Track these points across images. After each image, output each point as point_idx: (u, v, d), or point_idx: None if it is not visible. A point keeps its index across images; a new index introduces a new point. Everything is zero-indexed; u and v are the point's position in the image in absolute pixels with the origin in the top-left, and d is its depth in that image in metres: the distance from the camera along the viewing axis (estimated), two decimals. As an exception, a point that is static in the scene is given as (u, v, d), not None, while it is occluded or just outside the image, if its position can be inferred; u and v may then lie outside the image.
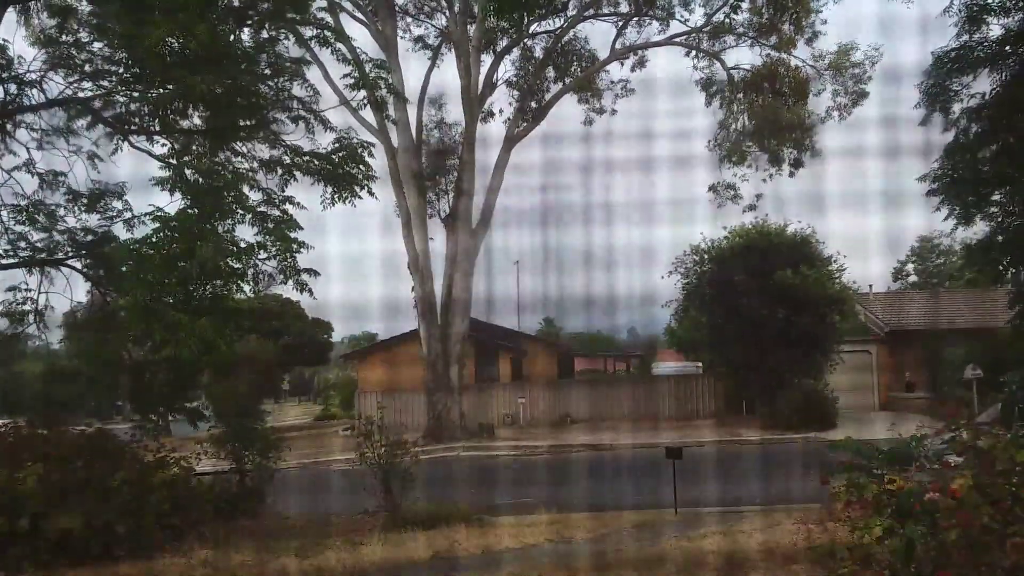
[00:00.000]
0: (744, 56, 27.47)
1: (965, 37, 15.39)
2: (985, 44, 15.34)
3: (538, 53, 29.46)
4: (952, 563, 6.31)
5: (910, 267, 51.85)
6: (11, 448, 11.31)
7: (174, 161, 13.43)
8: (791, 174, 27.91)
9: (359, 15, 27.60)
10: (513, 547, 10.42)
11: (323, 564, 9.85)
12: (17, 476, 10.32)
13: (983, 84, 15.80)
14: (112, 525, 10.48)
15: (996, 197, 16.76)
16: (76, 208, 13.66)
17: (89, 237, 13.72)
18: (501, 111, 30.02)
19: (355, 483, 13.23)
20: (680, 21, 28.27)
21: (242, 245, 13.55)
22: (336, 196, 14.67)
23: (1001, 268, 17.62)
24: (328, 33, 14.37)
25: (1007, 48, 15.23)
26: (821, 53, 26.66)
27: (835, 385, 26.76)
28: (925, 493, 6.99)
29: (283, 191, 14.03)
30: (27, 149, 13.55)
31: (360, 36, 26.79)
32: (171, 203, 13.17)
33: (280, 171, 14.16)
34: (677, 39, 28.75)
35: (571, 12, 28.06)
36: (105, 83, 13.22)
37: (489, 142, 29.10)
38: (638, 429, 27.05)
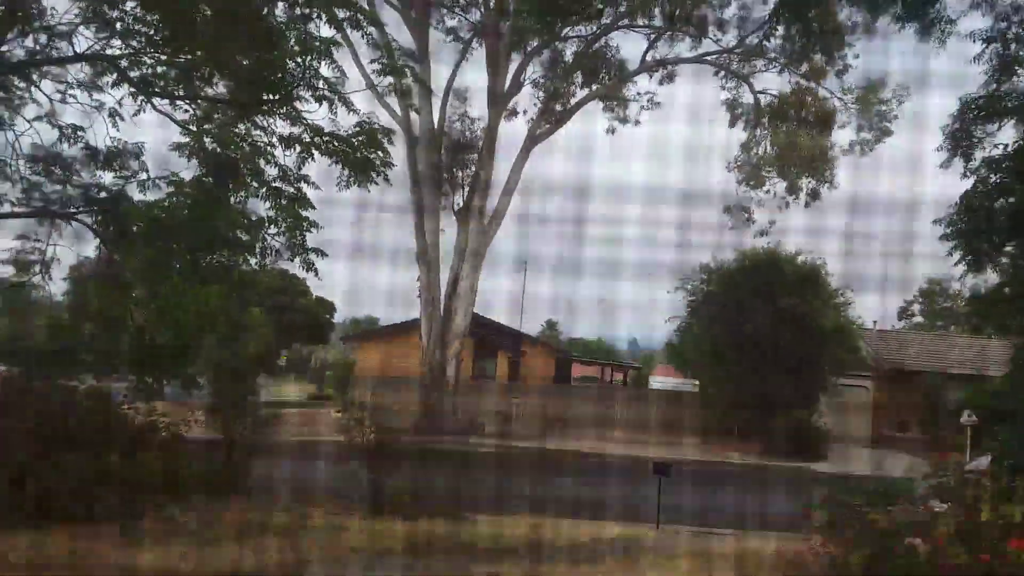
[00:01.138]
0: (772, 81, 27.42)
1: (994, 86, 15.35)
2: (1014, 95, 15.29)
3: (568, 57, 29.47)
4: None
5: (916, 307, 51.75)
6: (2, 399, 11.32)
7: (194, 128, 13.44)
8: (807, 204, 27.91)
9: (394, 1, 27.63)
10: (488, 546, 10.45)
11: (301, 544, 9.89)
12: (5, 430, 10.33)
13: (1007, 135, 15.76)
14: (96, 485, 10.49)
15: (1008, 248, 16.69)
16: (92, 164, 13.68)
17: (102, 194, 13.74)
18: (525, 111, 30.06)
19: (342, 466, 13.26)
20: (712, 40, 28.27)
21: (253, 218, 13.59)
22: (352, 179, 14.68)
23: (1006, 319, 17.55)
24: (361, 16, 14.36)
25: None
26: (850, 87, 26.65)
27: (829, 417, 26.73)
28: (906, 536, 7.01)
29: (299, 169, 14.05)
30: (50, 101, 13.59)
31: (393, 22, 26.80)
32: (187, 169, 13.23)
33: (299, 148, 14.16)
34: (708, 57, 28.74)
35: (605, 20, 28.05)
36: (134, 43, 13.23)
37: (510, 141, 29.16)
38: (628, 440, 27.03)
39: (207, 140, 13.46)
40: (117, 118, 13.77)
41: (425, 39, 26.94)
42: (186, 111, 13.93)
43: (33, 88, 13.63)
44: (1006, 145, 15.55)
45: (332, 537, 10.42)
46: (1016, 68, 15.12)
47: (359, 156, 14.12)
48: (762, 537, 11.59)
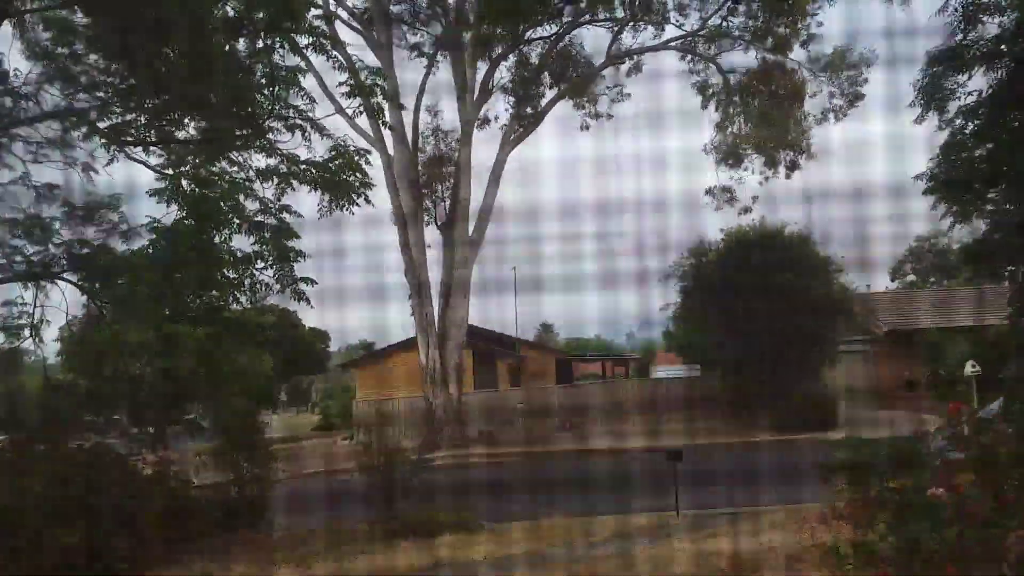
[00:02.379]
0: (740, 59, 27.50)
1: (960, 36, 15.39)
2: (980, 43, 15.33)
3: (534, 59, 29.51)
4: (957, 558, 6.29)
5: (908, 266, 51.89)
6: (10, 464, 11.25)
7: (170, 172, 13.41)
8: (787, 176, 27.99)
9: (355, 24, 27.66)
10: (516, 553, 10.40)
11: (322, 574, 9.82)
12: (16, 492, 10.26)
13: (979, 83, 15.80)
14: (111, 540, 10.42)
15: (992, 195, 16.74)
16: (72, 221, 13.62)
17: (85, 249, 13.67)
18: (497, 117, 30.11)
19: (354, 493, 13.19)
20: (675, 26, 28.36)
21: (239, 255, 13.54)
22: (333, 204, 14.68)
23: (997, 266, 17.59)
24: (324, 40, 14.35)
25: (1002, 47, 15.23)
26: (817, 55, 26.74)
27: (835, 385, 26.75)
28: (927, 490, 6.98)
29: (279, 200, 14.03)
30: (23, 162, 13.52)
31: (356, 44, 26.81)
32: (167, 214, 13.19)
33: (277, 180, 14.14)
34: (672, 43, 28.81)
35: (567, 18, 28.11)
36: (101, 94, 13.20)
37: (485, 148, 29.18)
38: (638, 433, 27.00)
39: (184, 182, 13.43)
40: (91, 172, 13.74)
41: (389, 57, 26.96)
42: (160, 155, 13.91)
43: (3, 152, 13.55)
44: (979, 92, 15.60)
45: (353, 565, 10.35)
46: (980, 16, 15.17)
47: (338, 180, 14.12)
48: (783, 511, 11.58)
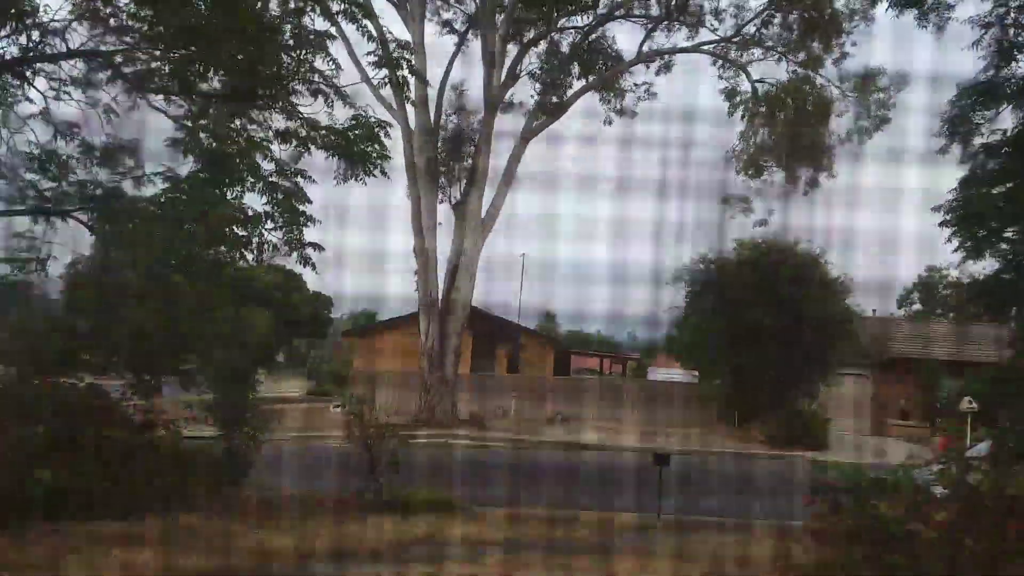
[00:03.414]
0: (770, 70, 27.32)
1: (992, 72, 15.28)
2: (1012, 80, 15.22)
3: (564, 48, 29.37)
4: None
5: (915, 295, 51.73)
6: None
7: (190, 123, 13.39)
8: (806, 193, 27.85)
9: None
10: (492, 539, 10.45)
11: (302, 540, 9.87)
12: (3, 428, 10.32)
13: (1005, 121, 15.70)
14: (95, 484, 10.48)
15: (1007, 234, 16.67)
16: (88, 161, 13.61)
17: (98, 191, 13.67)
18: (521, 103, 29.98)
19: (342, 461, 13.24)
20: (709, 30, 28.18)
21: (250, 213, 13.53)
22: (349, 173, 14.65)
23: (1005, 305, 17.53)
24: (355, 8, 14.29)
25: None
26: (847, 75, 26.56)
27: (829, 407, 26.73)
28: (908, 523, 6.98)
29: (296, 163, 13.99)
30: (44, 98, 13.51)
31: (387, 14, 26.69)
32: (183, 165, 13.18)
33: (295, 143, 14.10)
34: (705, 47, 28.64)
35: (601, 10, 27.96)
36: (128, 39, 13.16)
37: (506, 133, 29.05)
38: (628, 432, 27.03)
39: (203, 136, 13.41)
40: (112, 114, 13.71)
41: (420, 32, 26.85)
42: (181, 107, 13.87)
43: (26, 85, 13.55)
44: (1004, 131, 15.50)
45: (332, 533, 10.41)
46: (1015, 53, 15.04)
47: (356, 150, 14.07)
48: (761, 526, 11.59)
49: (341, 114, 13.74)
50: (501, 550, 9.80)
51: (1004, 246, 16.65)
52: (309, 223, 13.70)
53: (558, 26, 28.24)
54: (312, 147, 14.00)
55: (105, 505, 10.45)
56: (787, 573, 7.74)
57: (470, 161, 28.90)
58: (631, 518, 12.20)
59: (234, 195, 13.48)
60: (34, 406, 11.07)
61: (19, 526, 9.61)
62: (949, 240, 16.73)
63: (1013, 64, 15.17)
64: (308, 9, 13.57)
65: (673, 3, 27.52)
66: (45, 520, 9.87)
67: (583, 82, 29.45)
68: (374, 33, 14.57)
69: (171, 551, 8.98)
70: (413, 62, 16.38)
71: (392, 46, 14.91)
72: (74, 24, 13.07)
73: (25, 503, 9.94)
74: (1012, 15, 14.76)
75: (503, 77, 27.97)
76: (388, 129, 14.71)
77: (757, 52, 27.85)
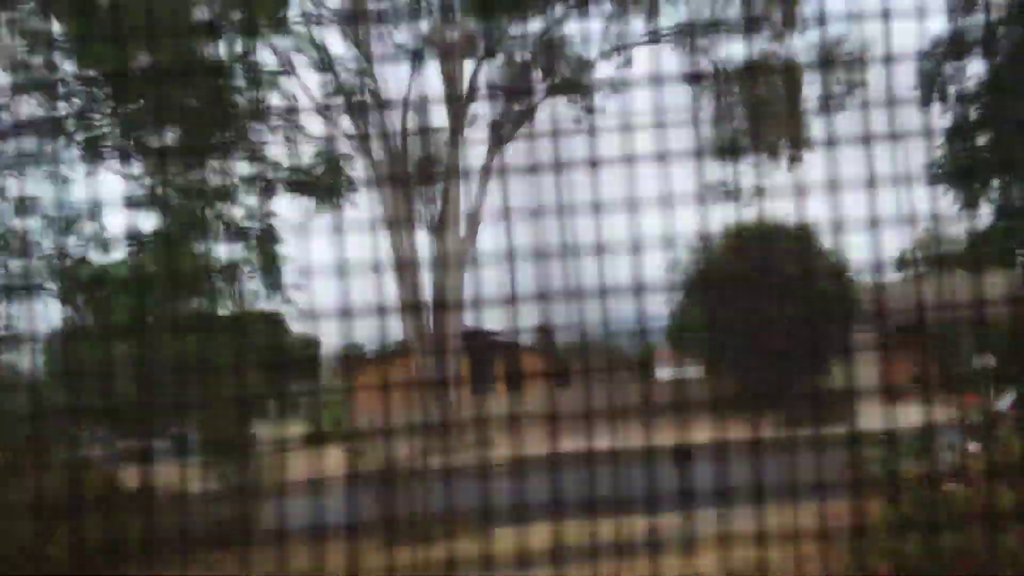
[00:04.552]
0: (735, 49, 27.19)
1: (958, 20, 15.13)
2: (978, 28, 15.08)
3: (522, 55, 29.13)
4: (975, 551, 6.03)
5: (915, 256, 51.54)
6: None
7: (149, 181, 13.11)
8: (788, 167, 27.64)
9: (337, 22, 27.29)
10: (524, 561, 10.06)
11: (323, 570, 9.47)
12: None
13: (976, 70, 15.57)
14: (93, 554, 10.08)
15: (997, 182, 16.47)
16: (51, 232, 13.32)
17: (66, 261, 13.38)
18: (487, 115, 29.73)
19: (350, 498, 12.83)
20: (666, 17, 27.98)
21: (223, 264, 13.23)
22: (319, 208, 14.38)
23: (1006, 253, 17.29)
24: (304, 43, 14.06)
25: (1000, 30, 14.96)
26: (814, 44, 26.38)
27: (843, 380, 26.35)
28: (942, 483, 6.68)
29: (264, 206, 13.71)
30: None
31: (339, 44, 26.47)
32: (148, 222, 12.87)
33: (261, 186, 13.84)
34: (664, 36, 28.45)
35: (556, 13, 27.77)
36: (77, 101, 12.91)
37: (475, 146, 28.80)
38: (640, 431, 26.59)
39: (164, 190, 13.11)
40: (68, 182, 13.42)
41: (373, 57, 26.56)
42: (139, 164, 13.60)
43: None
44: (979, 79, 15.36)
45: (355, 562, 10.00)
46: (975, 1, 14.92)
47: (322, 184, 13.82)
48: (793, 507, 11.19)
49: (305, 149, 13.51)
50: (529, 566, 9.43)
51: (995, 195, 16.47)
52: (286, 264, 13.41)
53: (512, 35, 28.04)
54: (279, 187, 13.76)
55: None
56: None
57: (441, 180, 28.63)
58: (661, 521, 11.80)
59: (206, 245, 13.19)
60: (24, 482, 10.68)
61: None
62: (943, 195, 16.53)
63: (977, 11, 15.05)
64: (257, 49, 13.34)
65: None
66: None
67: (545, 86, 29.23)
68: (324, 65, 14.31)
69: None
70: (369, 87, 16.13)
71: (346, 74, 14.66)
72: (20, 96, 12.82)
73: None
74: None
75: (463, 93, 27.73)
76: (352, 159, 14.48)
77: (719, 34, 27.66)
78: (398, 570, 10.23)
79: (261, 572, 10.39)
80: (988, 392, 16.64)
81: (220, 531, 12.41)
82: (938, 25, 15.47)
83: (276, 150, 13.43)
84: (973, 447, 7.15)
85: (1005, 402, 12.12)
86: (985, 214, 17.04)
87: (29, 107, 12.92)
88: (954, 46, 15.58)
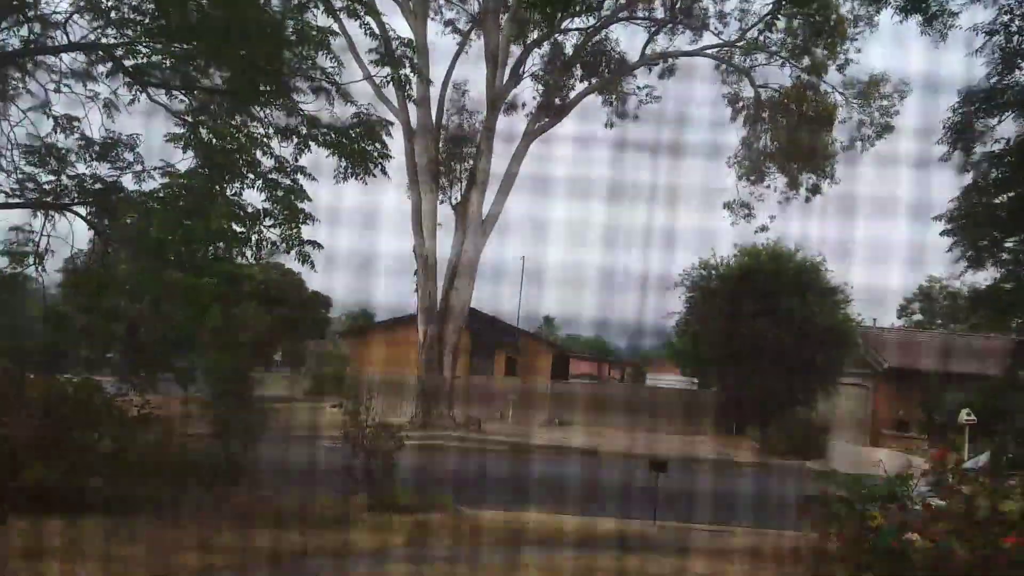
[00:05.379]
0: (774, 75, 27.30)
1: (995, 79, 15.28)
2: (1015, 88, 15.22)
3: (567, 50, 29.33)
4: None
5: (916, 305, 51.62)
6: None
7: (190, 118, 13.34)
8: (807, 199, 27.83)
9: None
10: (484, 542, 10.41)
11: (297, 540, 9.82)
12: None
13: (1007, 129, 15.69)
14: (84, 482, 10.42)
15: (1009, 244, 16.66)
16: (87, 155, 13.56)
17: (97, 185, 13.62)
18: (524, 104, 29.95)
19: (338, 461, 13.18)
20: (713, 34, 28.15)
21: (249, 210, 13.47)
22: (349, 171, 14.60)
23: (1006, 316, 17.53)
24: (358, 5, 14.24)
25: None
26: (851, 81, 26.51)
27: (828, 416, 26.66)
28: (904, 533, 6.92)
29: (296, 160, 13.93)
30: (44, 90, 13.47)
31: (390, 12, 26.65)
32: (183, 160, 13.11)
33: (296, 140, 14.04)
34: (708, 51, 28.61)
35: (605, 12, 27.91)
36: (129, 32, 13.11)
37: (508, 134, 29.00)
38: (626, 438, 26.95)
39: (203, 131, 13.35)
40: (112, 108, 13.67)
41: (423, 30, 26.80)
42: (182, 101, 13.82)
43: (27, 78, 13.52)
44: (1008, 140, 15.50)
45: (328, 535, 10.36)
46: (1018, 61, 15.04)
47: (356, 148, 14.02)
48: (758, 534, 11.54)
49: (342, 112, 13.71)
50: (494, 554, 9.76)
51: (1005, 256, 16.64)
52: (308, 221, 13.62)
53: (561, 27, 28.19)
54: (313, 144, 13.96)
55: (93, 503, 10.37)
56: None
57: (471, 162, 28.83)
58: (626, 524, 12.14)
59: (233, 191, 13.43)
60: (25, 402, 11.01)
61: (3, 522, 9.54)
62: (950, 249, 16.72)
63: (1016, 72, 15.19)
64: (310, 5, 13.54)
65: (677, 6, 27.47)
66: (32, 516, 9.78)
67: (586, 84, 29.45)
68: (376, 31, 14.51)
69: (154, 551, 8.92)
70: (415, 60, 16.32)
71: (395, 44, 14.86)
72: (75, 17, 13.07)
73: (12, 499, 9.86)
74: (1016, 23, 14.77)
75: (506, 78, 27.92)
76: (389, 128, 14.68)
77: (761, 57, 27.82)
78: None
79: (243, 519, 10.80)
80: (963, 448, 16.94)
81: (210, 471, 12.80)
82: (974, 79, 15.60)
83: (316, 108, 13.59)
84: (937, 503, 7.38)
85: (979, 460, 12.38)
86: (989, 274, 17.22)
87: (81, 28, 13.19)
88: (989, 102, 15.73)
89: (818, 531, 8.15)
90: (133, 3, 12.82)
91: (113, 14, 12.71)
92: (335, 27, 14.45)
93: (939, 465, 7.57)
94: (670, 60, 29.13)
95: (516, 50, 28.32)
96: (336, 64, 13.56)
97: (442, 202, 28.75)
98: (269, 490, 13.22)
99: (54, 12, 12.79)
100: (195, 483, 12.17)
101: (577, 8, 26.33)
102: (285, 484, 13.83)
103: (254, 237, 13.49)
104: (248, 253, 13.62)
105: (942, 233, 16.54)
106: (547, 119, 29.00)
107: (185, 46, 12.65)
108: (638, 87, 29.81)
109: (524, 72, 28.84)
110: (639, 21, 28.74)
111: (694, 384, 37.80)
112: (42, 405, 10.99)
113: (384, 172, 14.71)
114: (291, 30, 13.23)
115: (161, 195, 12.94)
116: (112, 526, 9.78)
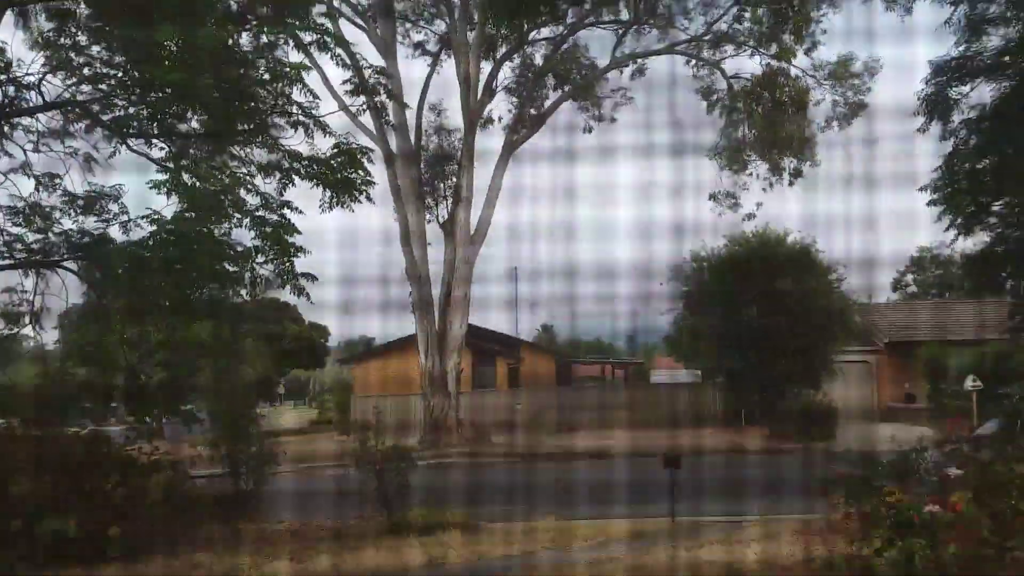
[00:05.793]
0: (745, 65, 27.44)
1: (964, 47, 15.38)
2: (984, 54, 15.32)
3: (538, 60, 29.49)
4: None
5: (909, 277, 51.79)
6: (6, 450, 11.27)
7: (171, 165, 13.35)
8: (791, 183, 27.95)
9: (358, 20, 27.63)
10: (510, 554, 10.38)
11: (317, 569, 9.80)
12: (12, 478, 10.29)
13: (982, 94, 15.79)
14: (106, 527, 10.42)
15: (996, 208, 16.72)
16: (72, 211, 13.58)
17: (85, 239, 13.62)
18: (500, 118, 30.08)
19: (350, 488, 13.16)
20: (680, 29, 28.31)
21: (239, 249, 13.47)
22: (334, 201, 14.62)
23: (1000, 279, 17.58)
24: (327, 39, 14.30)
25: (1006, 59, 15.21)
26: (821, 63, 26.69)
27: (835, 395, 26.67)
28: (924, 506, 6.95)
29: (281, 195, 13.95)
30: (24, 151, 13.51)
31: (360, 41, 26.78)
32: (168, 206, 13.11)
33: (278, 175, 14.07)
34: (677, 47, 28.77)
35: (571, 19, 28.07)
36: (103, 86, 13.15)
37: (488, 149, 29.10)
38: (635, 437, 26.93)
39: (185, 176, 13.36)
40: (92, 162, 13.72)
41: (393, 55, 26.91)
42: (161, 148, 13.86)
43: (5, 140, 13.54)
44: (983, 105, 15.58)
45: (347, 560, 10.33)
46: (984, 27, 15.15)
47: (339, 177, 14.05)
48: (779, 521, 11.53)
49: (322, 143, 13.75)
50: (521, 566, 9.75)
51: (993, 220, 16.71)
52: (299, 253, 13.63)
53: (530, 39, 28.35)
54: (296, 178, 13.98)
55: (116, 548, 10.38)
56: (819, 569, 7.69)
57: (454, 179, 28.93)
58: (645, 523, 12.14)
59: (222, 232, 13.43)
60: (36, 459, 11.00)
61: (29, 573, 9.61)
62: (939, 219, 16.77)
63: (984, 38, 15.28)
64: (280, 42, 13.59)
65: (641, 6, 27.63)
66: (54, 567, 9.80)
67: (560, 92, 29.60)
68: (348, 61, 14.57)
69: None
70: (389, 86, 16.38)
71: (367, 72, 14.92)
72: (48, 76, 13.09)
73: (33, 552, 9.91)
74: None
75: (479, 94, 28.04)
76: (370, 154, 14.71)
77: (729, 49, 27.99)
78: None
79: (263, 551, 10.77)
80: (973, 416, 16.97)
81: (225, 509, 12.81)
82: (947, 48, 15.69)
83: (295, 141, 13.63)
84: (953, 471, 7.40)
85: (990, 427, 12.38)
86: (980, 240, 17.27)
87: (55, 87, 13.23)
88: (960, 70, 15.81)
89: (837, 512, 8.18)
90: (104, 57, 12.89)
91: (86, 70, 12.76)
92: (306, 62, 14.48)
93: (952, 434, 7.62)
94: (639, 60, 29.29)
95: (487, 66, 28.46)
96: (311, 98, 13.61)
97: (429, 221, 28.84)
98: (283, 522, 13.20)
99: (26, 74, 12.83)
100: (211, 518, 12.19)
101: (542, 18, 26.47)
102: (299, 514, 13.81)
103: (247, 275, 13.51)
104: (243, 291, 13.66)
105: (929, 203, 16.61)
106: (524, 130, 29.11)
107: (160, 95, 12.67)
108: (612, 90, 30.00)
109: (497, 87, 29.01)
110: (605, 25, 28.89)
111: (697, 377, 37.81)
112: (55, 460, 11.00)
113: (369, 199, 14.74)
114: (263, 68, 13.29)
115: (150, 243, 12.93)
116: (133, 572, 9.78)
